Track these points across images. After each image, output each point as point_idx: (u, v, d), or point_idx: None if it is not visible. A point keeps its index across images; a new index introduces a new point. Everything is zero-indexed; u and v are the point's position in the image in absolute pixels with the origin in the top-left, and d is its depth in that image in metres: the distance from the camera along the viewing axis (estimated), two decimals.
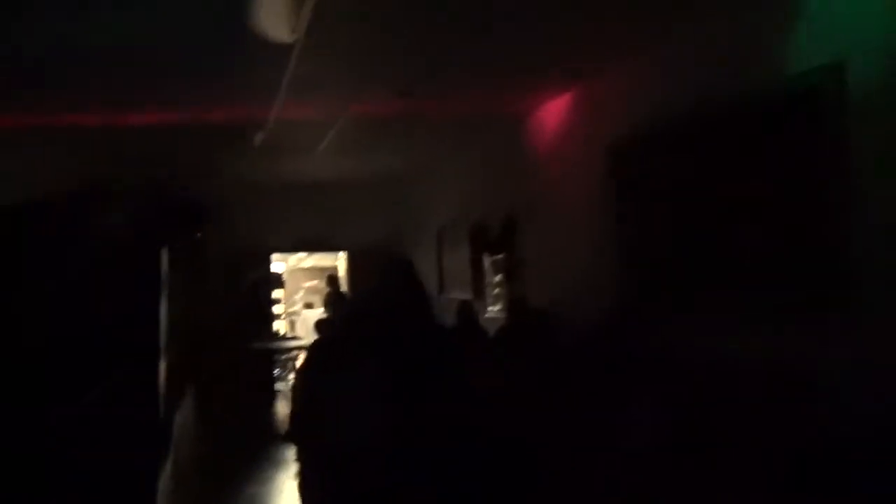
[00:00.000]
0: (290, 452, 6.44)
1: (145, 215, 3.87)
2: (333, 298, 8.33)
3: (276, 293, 10.96)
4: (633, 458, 3.29)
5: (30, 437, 2.82)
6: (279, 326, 10.94)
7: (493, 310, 7.32)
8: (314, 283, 13.96)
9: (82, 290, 3.46)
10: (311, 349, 3.41)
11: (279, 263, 11.86)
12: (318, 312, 12.45)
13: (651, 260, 4.60)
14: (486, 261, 7.56)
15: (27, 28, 4.04)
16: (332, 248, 11.37)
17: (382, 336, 2.82)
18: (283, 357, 10.04)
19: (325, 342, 3.83)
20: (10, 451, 2.71)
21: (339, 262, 12.22)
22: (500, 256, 7.21)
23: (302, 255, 13.51)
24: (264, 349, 9.57)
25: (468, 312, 6.42)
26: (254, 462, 6.34)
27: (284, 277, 11.88)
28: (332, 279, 9.53)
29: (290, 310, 13.23)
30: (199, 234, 8.99)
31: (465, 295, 7.46)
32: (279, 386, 9.71)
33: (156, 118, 6.26)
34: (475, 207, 7.78)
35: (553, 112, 6.04)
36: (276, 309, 10.84)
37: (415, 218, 10.11)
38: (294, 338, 10.99)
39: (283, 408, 8.80)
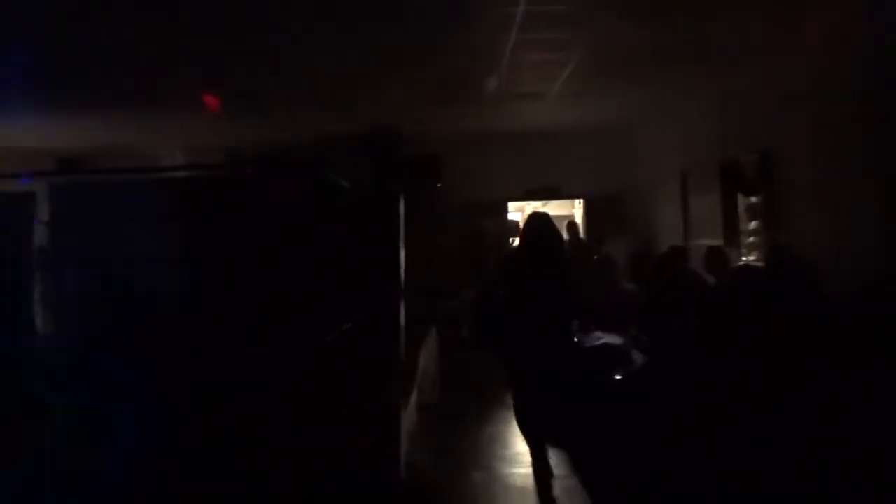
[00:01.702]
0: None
1: (382, 166, 3.96)
2: (573, 245, 8.08)
3: (514, 241, 11.00)
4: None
5: (284, 370, 3.04)
6: None
7: (749, 258, 6.54)
8: None
9: (328, 237, 3.65)
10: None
11: (516, 213, 11.86)
12: None
13: None
14: (741, 204, 6.75)
15: None
16: (568, 196, 11.09)
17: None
18: None
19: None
20: (265, 383, 2.94)
21: (577, 209, 11.90)
22: (756, 199, 6.38)
23: (537, 203, 13.40)
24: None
25: (719, 259, 5.82)
26: (490, 404, 6.44)
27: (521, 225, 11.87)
28: (572, 226, 9.28)
29: None
30: (437, 185, 9.30)
31: (716, 241, 6.77)
32: None
33: (385, 69, 6.43)
34: (726, 145, 6.96)
35: (823, 25, 5.06)
36: None
37: (655, 161, 9.40)
38: None
39: None
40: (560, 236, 4.82)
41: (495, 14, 4.88)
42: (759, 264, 5.78)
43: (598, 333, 5.26)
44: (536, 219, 4.78)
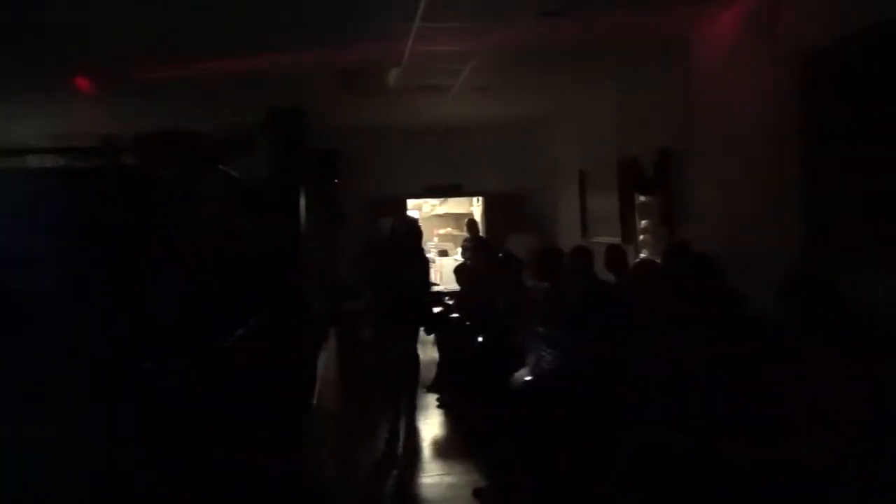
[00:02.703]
0: (430, 399, 6.36)
1: (282, 160, 3.68)
2: (473, 244, 8.00)
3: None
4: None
5: (177, 380, 2.71)
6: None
7: (646, 255, 6.70)
8: (448, 230, 13.79)
9: (221, 232, 3.33)
10: None
11: (413, 210, 11.71)
12: (453, 259, 12.27)
13: (852, 205, 3.79)
14: (637, 202, 6.91)
15: None
16: (468, 193, 11.06)
17: None
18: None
19: None
20: (153, 395, 2.61)
21: (474, 207, 11.90)
22: (652, 197, 6.54)
23: (435, 201, 13.32)
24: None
25: (618, 257, 5.89)
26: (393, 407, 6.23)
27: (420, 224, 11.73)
28: (472, 224, 9.21)
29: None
30: (335, 181, 8.98)
31: (614, 239, 6.88)
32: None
33: (287, 60, 6.10)
34: (623, 144, 7.10)
35: (721, 26, 5.22)
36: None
37: (554, 159, 9.54)
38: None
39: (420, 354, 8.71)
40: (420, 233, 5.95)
41: (399, 1, 4.69)
42: (657, 260, 5.91)
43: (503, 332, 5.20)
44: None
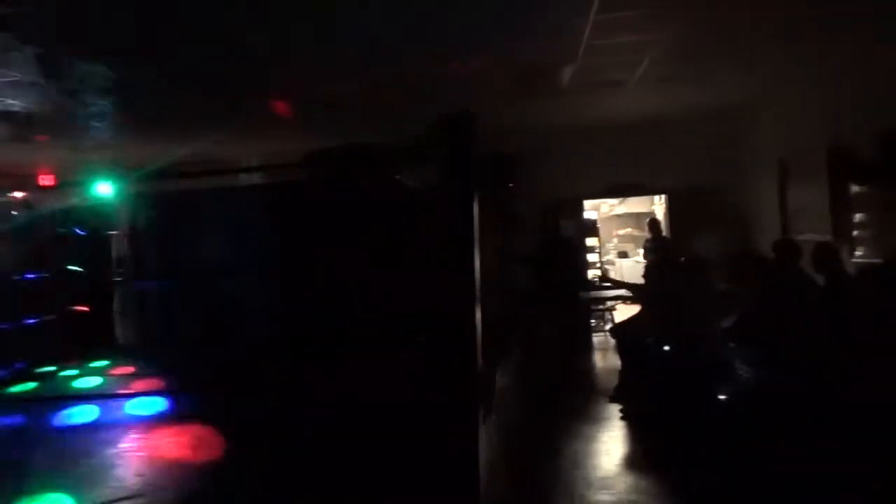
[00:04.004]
0: (612, 409, 6.03)
1: (455, 168, 3.62)
2: (656, 245, 7.52)
3: (591, 241, 10.46)
4: None
5: (354, 392, 2.74)
6: (594, 276, 10.44)
7: (863, 254, 5.86)
8: (628, 230, 13.18)
9: (401, 242, 3.34)
10: None
11: (591, 211, 11.30)
12: (633, 261, 11.69)
13: None
14: (852, 193, 6.06)
15: None
16: (650, 191, 10.44)
17: None
18: (599, 307, 9.55)
19: None
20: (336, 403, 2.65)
21: (656, 206, 11.24)
22: (873, 187, 5.69)
23: (614, 201, 12.79)
24: (580, 299, 9.18)
25: (829, 256, 5.18)
26: (573, 418, 5.98)
27: (598, 225, 11.31)
28: (655, 224, 8.68)
29: (604, 258, 12.69)
30: (510, 185, 8.88)
31: (823, 236, 6.10)
32: (596, 338, 9.28)
33: (459, 65, 6.10)
34: (835, 128, 6.27)
35: None
36: (590, 257, 10.35)
37: (746, 150, 8.71)
38: (609, 287, 10.42)
39: (600, 361, 8.35)
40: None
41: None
42: (880, 262, 5.13)
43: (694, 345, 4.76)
44: None
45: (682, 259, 6.33)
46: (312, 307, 2.84)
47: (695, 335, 4.79)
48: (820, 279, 4.86)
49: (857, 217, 6.05)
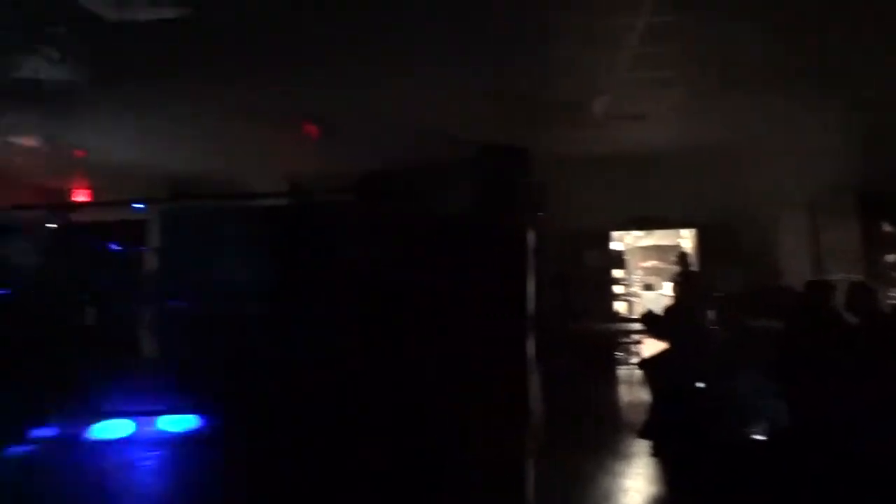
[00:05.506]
0: (640, 445, 5.93)
1: (501, 191, 3.60)
2: (684, 278, 7.47)
3: (617, 273, 10.40)
4: None
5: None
6: (620, 308, 10.37)
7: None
8: (654, 262, 13.09)
9: (436, 269, 3.32)
10: None
11: (616, 243, 11.26)
12: (658, 294, 11.60)
13: None
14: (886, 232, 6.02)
15: None
16: (679, 224, 10.38)
17: None
18: (624, 340, 9.48)
19: None
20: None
21: (683, 239, 11.16)
22: None
23: (639, 233, 12.73)
24: (605, 331, 9.13)
25: (864, 296, 5.12)
26: (599, 452, 5.89)
27: (624, 256, 11.25)
28: (683, 257, 8.63)
29: (629, 290, 12.62)
30: (540, 214, 8.88)
31: (853, 276, 6.03)
32: (621, 371, 9.19)
33: (488, 94, 6.16)
34: (864, 168, 6.23)
35: None
36: (616, 289, 10.29)
37: (776, 186, 8.64)
38: (634, 320, 10.35)
39: (626, 395, 8.26)
40: None
41: (600, 29, 4.53)
42: None
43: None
44: None
45: (714, 294, 6.29)
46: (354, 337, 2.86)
47: (729, 372, 4.74)
48: (853, 319, 4.81)
49: (891, 258, 6.00)
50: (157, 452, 4.89)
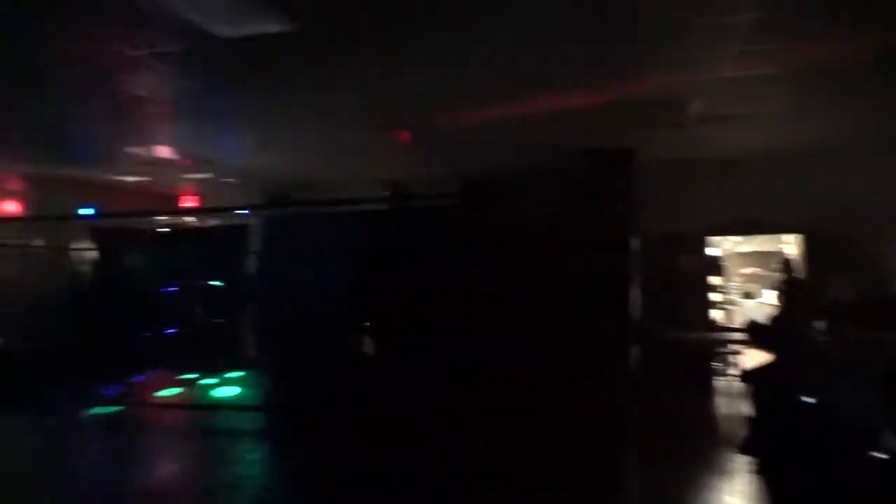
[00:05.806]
0: (741, 461, 5.69)
1: (614, 202, 3.57)
2: (789, 285, 7.11)
3: (714, 279, 10.00)
4: None
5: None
6: (717, 316, 9.96)
7: None
8: (754, 269, 12.50)
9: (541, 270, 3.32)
10: None
11: (713, 248, 10.84)
12: (758, 302, 11.07)
13: None
14: None
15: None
16: (781, 229, 9.87)
17: None
18: (722, 350, 9.10)
19: None
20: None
21: (785, 246, 10.61)
22: None
23: (737, 238, 12.21)
24: (702, 340, 8.81)
25: None
26: (696, 467, 5.69)
27: (722, 262, 10.80)
28: (787, 264, 8.21)
29: (728, 298, 12.11)
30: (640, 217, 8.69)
31: None
32: (718, 382, 8.83)
33: (582, 98, 6.07)
34: None
35: None
36: (713, 297, 9.89)
37: (889, 189, 8.11)
38: (733, 329, 9.93)
39: (724, 407, 7.93)
40: None
41: (699, 27, 4.38)
42: None
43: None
44: None
45: (822, 304, 5.96)
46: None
47: (841, 386, 4.47)
48: None
49: None
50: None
